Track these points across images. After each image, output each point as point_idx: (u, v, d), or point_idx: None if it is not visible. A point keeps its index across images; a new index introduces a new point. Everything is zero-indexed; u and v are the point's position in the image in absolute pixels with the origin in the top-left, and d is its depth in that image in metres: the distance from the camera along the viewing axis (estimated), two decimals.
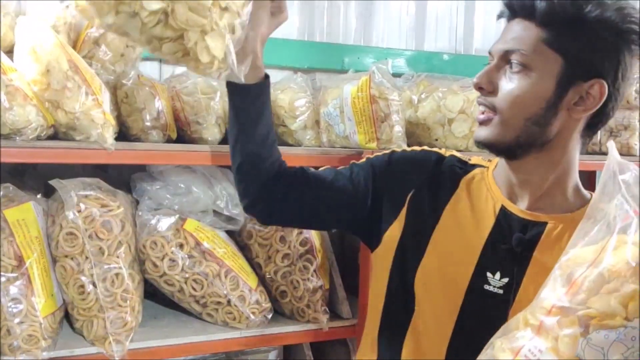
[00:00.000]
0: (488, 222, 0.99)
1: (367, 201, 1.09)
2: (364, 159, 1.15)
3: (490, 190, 1.02)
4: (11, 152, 1.21)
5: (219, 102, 1.56)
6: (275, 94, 1.73)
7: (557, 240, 0.96)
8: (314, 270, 1.54)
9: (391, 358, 1.06)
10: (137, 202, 1.50)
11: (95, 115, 1.28)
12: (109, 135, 1.30)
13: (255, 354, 1.69)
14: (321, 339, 1.58)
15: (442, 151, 1.12)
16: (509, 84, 0.94)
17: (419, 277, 1.01)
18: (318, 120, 1.69)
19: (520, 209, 0.99)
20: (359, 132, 1.57)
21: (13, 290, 1.23)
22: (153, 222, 1.44)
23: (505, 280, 0.96)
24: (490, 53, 0.98)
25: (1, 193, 1.27)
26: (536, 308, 0.77)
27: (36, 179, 1.55)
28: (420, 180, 1.06)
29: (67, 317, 1.40)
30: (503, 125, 0.94)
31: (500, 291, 0.96)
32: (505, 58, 0.95)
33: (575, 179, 1.01)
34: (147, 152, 1.36)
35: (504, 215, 0.99)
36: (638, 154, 1.93)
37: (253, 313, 1.48)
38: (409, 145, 1.65)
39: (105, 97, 1.32)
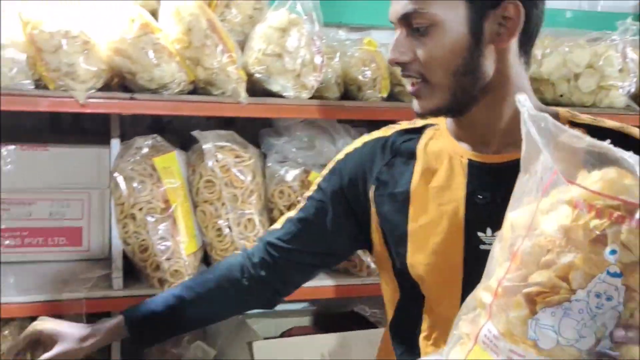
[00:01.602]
0: (460, 182, 0.92)
1: (343, 225, 1.03)
2: (312, 187, 1.07)
3: (451, 147, 0.94)
4: (159, 105, 1.34)
5: (339, 62, 1.62)
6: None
7: None
8: None
9: (409, 348, 1.00)
10: (265, 156, 1.60)
11: (231, 71, 1.38)
12: (242, 90, 1.40)
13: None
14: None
15: (383, 131, 1.03)
16: (424, 47, 0.86)
17: (411, 264, 0.95)
18: None
19: (488, 155, 0.91)
20: None
21: (161, 229, 1.37)
22: (281, 172, 1.53)
23: (497, 233, 0.90)
24: (391, 21, 0.90)
25: (150, 142, 1.40)
26: (486, 286, 0.71)
27: (173, 135, 1.69)
28: (376, 173, 1.00)
29: (206, 258, 1.53)
30: (435, 89, 0.88)
31: None
32: (407, 23, 0.87)
33: (533, 102, 0.91)
34: (277, 106, 1.44)
35: (473, 168, 0.92)
36: None
37: (373, 262, 1.55)
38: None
39: (239, 54, 1.42)
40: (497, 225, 0.84)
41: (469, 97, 0.88)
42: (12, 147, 1.55)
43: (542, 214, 0.65)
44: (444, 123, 0.97)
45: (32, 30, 1.26)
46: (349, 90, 1.64)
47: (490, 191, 0.90)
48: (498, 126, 0.91)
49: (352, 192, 1.02)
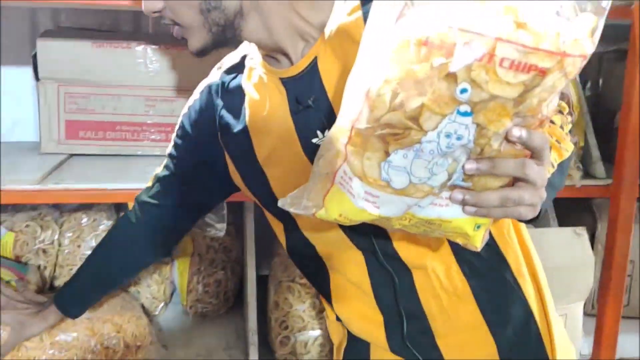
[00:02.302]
0: (282, 101, 0.93)
1: (204, 177, 1.10)
2: (170, 143, 1.13)
3: (266, 72, 0.95)
4: None
5: None
6: None
7: (335, 63, 0.88)
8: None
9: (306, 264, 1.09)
10: None
11: None
12: None
13: None
14: (574, 196, 1.59)
15: (212, 77, 1.05)
16: None
17: (277, 191, 0.97)
18: None
19: (291, 67, 0.92)
20: None
21: None
22: None
23: (327, 132, 0.86)
24: None
25: None
26: (340, 126, 0.69)
27: None
28: (217, 119, 1.01)
29: None
30: (191, 31, 0.88)
31: None
32: None
33: (301, 4, 0.89)
34: None
35: (286, 85, 0.92)
36: None
37: None
38: None
39: None
40: (322, 125, 0.90)
41: (228, 28, 0.88)
42: (156, 46, 1.66)
43: (391, 51, 0.60)
44: (255, 52, 0.98)
45: None
46: None
47: (305, 99, 0.91)
48: (281, 37, 0.90)
49: (203, 143, 1.05)
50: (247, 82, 0.98)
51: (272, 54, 0.94)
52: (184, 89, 1.68)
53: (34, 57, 1.62)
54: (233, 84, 1.00)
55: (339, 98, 0.79)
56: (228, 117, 1.00)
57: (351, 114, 0.66)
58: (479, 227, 0.73)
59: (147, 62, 1.66)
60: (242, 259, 1.77)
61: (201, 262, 1.77)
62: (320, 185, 0.73)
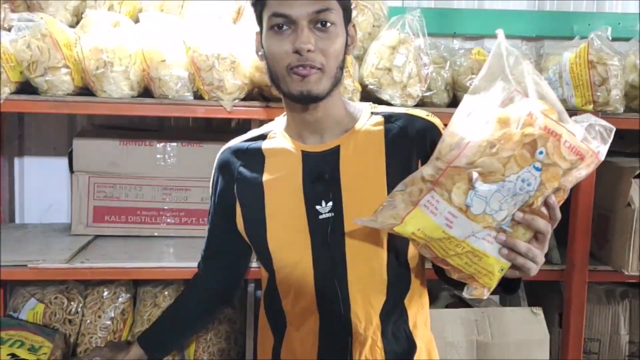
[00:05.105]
0: (298, 170, 1.14)
1: (228, 226, 1.25)
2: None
3: (288, 144, 1.17)
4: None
5: (449, 71, 1.82)
6: None
7: (353, 154, 1.12)
8: None
9: (277, 315, 1.22)
10: None
11: (348, 84, 1.63)
12: (357, 99, 1.64)
13: None
14: (531, 279, 1.74)
15: (233, 142, 1.25)
16: (328, 42, 1.06)
17: (270, 240, 1.16)
18: None
19: (315, 145, 1.14)
20: (576, 95, 1.69)
21: None
22: None
23: (330, 203, 1.12)
24: (285, 15, 1.04)
25: None
26: (433, 166, 0.93)
27: None
28: (235, 174, 1.21)
29: None
30: (325, 78, 1.07)
31: (331, 214, 1.11)
32: (315, 18, 1.04)
33: (343, 100, 1.17)
34: None
35: (306, 158, 1.14)
36: None
37: None
38: (630, 109, 1.73)
39: (356, 68, 1.67)
40: (327, 197, 1.12)
41: (336, 87, 1.10)
42: (174, 144, 1.92)
43: (494, 120, 0.89)
44: (277, 128, 1.21)
45: (192, 53, 1.58)
46: (457, 97, 1.83)
47: (320, 172, 1.13)
48: (328, 119, 1.13)
49: (224, 195, 1.23)
50: (267, 148, 1.19)
51: (306, 131, 1.15)
52: (196, 179, 1.93)
53: (70, 153, 1.90)
54: (253, 146, 1.21)
55: (348, 179, 1.11)
56: (246, 172, 1.19)
57: (448, 155, 0.91)
58: (501, 270, 0.97)
59: (165, 157, 1.92)
60: (244, 330, 1.94)
61: (207, 332, 1.94)
62: (402, 208, 0.95)
